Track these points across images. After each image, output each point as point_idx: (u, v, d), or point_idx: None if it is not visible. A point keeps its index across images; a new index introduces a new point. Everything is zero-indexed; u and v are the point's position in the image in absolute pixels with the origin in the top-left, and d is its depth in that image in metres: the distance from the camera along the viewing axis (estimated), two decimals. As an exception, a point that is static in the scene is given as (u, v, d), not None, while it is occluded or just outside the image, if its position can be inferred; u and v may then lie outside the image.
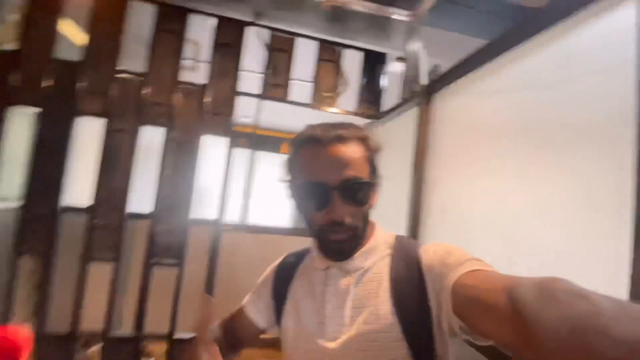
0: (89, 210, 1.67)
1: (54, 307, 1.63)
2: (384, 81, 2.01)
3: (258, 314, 0.69)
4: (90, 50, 1.71)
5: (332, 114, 1.99)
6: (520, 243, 0.91)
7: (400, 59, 2.45)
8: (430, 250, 0.55)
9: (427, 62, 1.73)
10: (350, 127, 0.57)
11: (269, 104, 2.18)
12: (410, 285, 0.54)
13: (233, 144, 1.89)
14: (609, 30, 0.74)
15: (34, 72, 1.61)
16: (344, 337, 0.55)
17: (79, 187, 1.80)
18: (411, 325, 0.52)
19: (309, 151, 0.56)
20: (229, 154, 1.89)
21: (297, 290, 0.64)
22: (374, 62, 2.01)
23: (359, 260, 0.59)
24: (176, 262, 1.74)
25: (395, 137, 1.89)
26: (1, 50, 1.61)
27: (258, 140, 3.35)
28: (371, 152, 0.58)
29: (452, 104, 1.34)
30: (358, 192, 0.54)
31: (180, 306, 1.75)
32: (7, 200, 1.75)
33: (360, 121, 2.21)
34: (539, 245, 0.85)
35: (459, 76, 1.27)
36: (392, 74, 2.24)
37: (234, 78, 1.85)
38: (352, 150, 0.55)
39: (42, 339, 1.59)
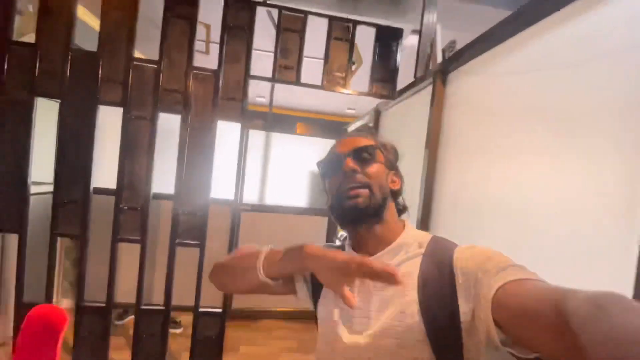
0: (115, 193, 1.77)
1: (91, 282, 1.79)
2: (398, 58, 1.94)
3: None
4: (105, 38, 1.74)
5: (344, 94, 1.96)
6: (535, 232, 0.90)
7: (416, 31, 2.34)
8: (466, 253, 0.55)
9: (442, 38, 1.65)
10: (374, 135, 0.71)
11: (283, 85, 2.18)
12: (440, 287, 0.53)
13: (248, 126, 1.92)
14: (636, 9, 0.69)
15: (54, 62, 1.67)
16: (368, 331, 0.56)
17: (107, 172, 1.91)
18: (436, 327, 0.52)
19: (334, 145, 0.69)
20: (243, 136, 1.92)
21: None
22: (387, 39, 1.93)
23: (386, 257, 0.61)
24: (198, 243, 1.84)
25: (409, 118, 1.85)
26: (23, 42, 1.68)
27: (274, 119, 3.34)
28: (387, 151, 0.68)
29: (467, 84, 1.29)
30: (366, 153, 0.63)
31: (204, 281, 1.87)
32: (42, 184, 1.89)
33: (373, 101, 2.17)
34: (554, 234, 0.84)
35: (475, 55, 1.22)
36: (408, 48, 2.16)
37: (246, 61, 1.84)
38: (364, 136, 0.68)
39: (81, 311, 1.76)
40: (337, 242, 0.81)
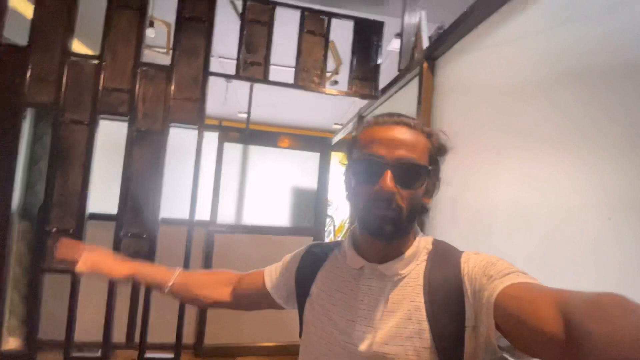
0: (39, 212, 1.45)
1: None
2: (380, 54, 1.72)
3: (270, 282, 0.71)
4: (38, 29, 1.48)
5: (319, 93, 1.72)
6: (553, 238, 0.65)
7: (399, 35, 2.16)
8: (472, 259, 0.54)
9: (428, 27, 1.44)
10: (417, 119, 0.57)
11: (263, 97, 1.95)
12: (447, 293, 0.53)
13: (223, 138, 1.66)
14: None
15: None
16: (373, 338, 0.55)
17: (39, 187, 1.59)
18: (442, 333, 0.51)
19: (371, 130, 0.56)
20: (201, 143, 1.64)
21: (324, 284, 0.64)
22: (367, 33, 1.73)
23: (399, 266, 0.57)
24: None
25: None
26: None
27: (254, 135, 3.10)
28: (435, 150, 0.56)
29: (459, 65, 1.06)
30: (411, 174, 0.53)
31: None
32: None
33: (354, 101, 1.94)
34: (574, 239, 0.58)
35: (466, 31, 0.99)
36: (392, 51, 1.96)
37: (205, 56, 1.60)
38: (414, 136, 0.54)
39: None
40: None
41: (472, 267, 0.52)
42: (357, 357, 0.55)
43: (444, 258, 0.57)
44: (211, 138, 2.02)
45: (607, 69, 0.59)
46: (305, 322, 0.64)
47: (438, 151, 0.57)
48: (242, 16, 1.62)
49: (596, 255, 0.60)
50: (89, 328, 1.52)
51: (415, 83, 1.32)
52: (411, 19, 1.47)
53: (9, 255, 1.47)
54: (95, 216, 1.54)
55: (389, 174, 0.52)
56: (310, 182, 3.30)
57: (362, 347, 0.55)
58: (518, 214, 0.73)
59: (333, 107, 4.78)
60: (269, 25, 1.65)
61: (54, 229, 1.46)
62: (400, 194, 0.53)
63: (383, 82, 1.71)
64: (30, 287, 1.44)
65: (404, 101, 1.46)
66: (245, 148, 3.19)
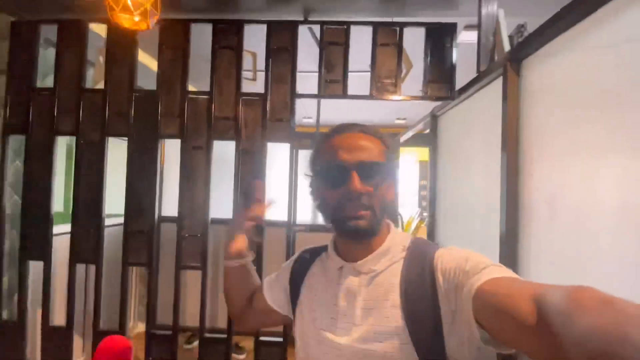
0: (177, 221, 1.83)
1: (161, 307, 1.84)
2: (454, 56, 1.76)
3: (269, 293, 0.76)
4: (162, 76, 1.86)
5: (395, 101, 1.82)
6: None
7: (469, 26, 2.13)
8: (445, 255, 0.55)
9: (507, 24, 1.44)
10: (370, 126, 0.62)
11: (328, 101, 2.12)
12: (421, 290, 0.54)
13: (296, 146, 1.88)
14: None
15: (120, 104, 1.83)
16: (353, 335, 0.57)
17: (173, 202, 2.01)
18: (419, 330, 0.52)
19: (332, 139, 0.61)
20: (293, 156, 1.88)
21: (312, 284, 0.68)
22: (439, 36, 1.77)
23: (371, 262, 0.60)
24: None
25: (474, 118, 1.64)
26: (94, 89, 1.87)
27: (321, 139, 3.30)
28: (389, 153, 0.61)
29: (548, 68, 1.07)
30: (375, 173, 0.57)
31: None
32: (113, 217, 2.04)
33: (430, 104, 1.99)
34: None
35: (558, 32, 1.00)
36: (461, 45, 1.96)
37: (291, 81, 1.82)
38: (370, 140, 0.60)
39: (150, 338, 1.81)
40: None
41: (446, 263, 0.53)
42: (341, 354, 0.57)
43: (420, 255, 0.58)
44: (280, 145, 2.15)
45: None
46: (296, 324, 0.68)
47: (391, 152, 0.62)
48: (321, 40, 1.81)
49: None
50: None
51: (496, 84, 1.34)
52: (488, 18, 1.49)
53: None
54: (215, 221, 1.88)
55: (355, 175, 0.56)
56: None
57: (345, 344, 0.57)
58: (626, 217, 0.75)
59: (393, 104, 4.79)
60: (345, 44, 1.80)
61: (187, 235, 1.84)
62: (368, 193, 0.57)
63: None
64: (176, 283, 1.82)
65: (485, 102, 1.49)
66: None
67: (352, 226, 0.58)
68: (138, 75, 1.88)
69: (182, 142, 1.85)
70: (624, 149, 0.78)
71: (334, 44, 1.81)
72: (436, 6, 1.77)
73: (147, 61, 2.32)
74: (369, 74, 1.80)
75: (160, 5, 1.43)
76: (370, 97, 1.80)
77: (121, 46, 1.83)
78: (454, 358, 0.51)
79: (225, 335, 1.81)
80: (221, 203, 2.00)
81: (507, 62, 1.24)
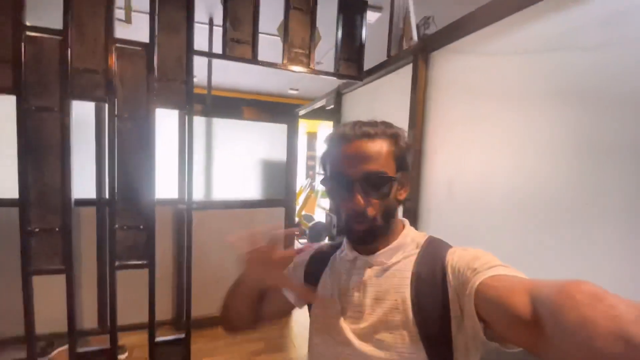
0: (20, 210, 1.32)
1: None
2: (364, 35, 1.78)
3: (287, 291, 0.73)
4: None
5: (304, 73, 1.74)
6: (548, 224, 0.86)
7: (374, 7, 2.20)
8: (457, 253, 0.56)
9: (415, 13, 1.53)
10: (379, 125, 0.60)
11: (215, 62, 1.84)
12: (431, 286, 0.55)
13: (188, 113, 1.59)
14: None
15: None
16: (361, 324, 0.58)
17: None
18: (428, 324, 0.53)
19: (338, 148, 0.60)
20: (187, 125, 1.57)
21: (327, 277, 0.68)
22: (352, 11, 1.75)
23: (384, 256, 0.62)
24: (146, 263, 1.50)
25: (382, 99, 1.73)
26: None
27: (215, 106, 2.95)
28: (399, 149, 0.60)
29: (455, 64, 1.20)
30: (379, 185, 0.57)
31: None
32: None
33: (324, 79, 1.99)
34: (572, 225, 0.80)
35: (466, 33, 1.12)
36: (369, 25, 2.00)
37: (187, 33, 1.49)
38: (377, 146, 0.58)
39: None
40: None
41: (457, 260, 0.54)
42: (351, 344, 0.58)
43: (433, 253, 0.59)
44: (167, 112, 1.84)
45: (594, 92, 0.78)
46: (311, 316, 0.69)
47: (403, 150, 0.61)
48: (226, -11, 1.51)
49: (582, 241, 0.83)
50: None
51: (404, 72, 1.43)
52: (399, 4, 1.54)
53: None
54: (78, 202, 1.44)
55: (358, 191, 0.57)
56: (278, 153, 3.29)
57: (354, 334, 0.58)
58: (514, 198, 0.93)
59: (286, 73, 4.67)
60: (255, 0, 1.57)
61: (37, 229, 1.35)
62: (371, 205, 0.57)
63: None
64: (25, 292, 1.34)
65: (393, 87, 1.58)
66: (208, 121, 3.05)
67: (356, 236, 0.60)
68: None
69: (18, 100, 1.29)
70: (514, 144, 0.95)
71: (240, -4, 1.55)
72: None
73: None
74: (274, 38, 1.63)
75: None
76: (282, 66, 1.65)
77: None
78: (459, 357, 0.52)
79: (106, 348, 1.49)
80: (82, 181, 1.55)
81: (418, 52, 1.32)
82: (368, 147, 0.58)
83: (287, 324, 2.80)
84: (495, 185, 1.00)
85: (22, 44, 1.28)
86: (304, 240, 5.04)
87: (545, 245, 0.85)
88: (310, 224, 5.20)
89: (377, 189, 0.57)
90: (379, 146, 0.58)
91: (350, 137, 0.59)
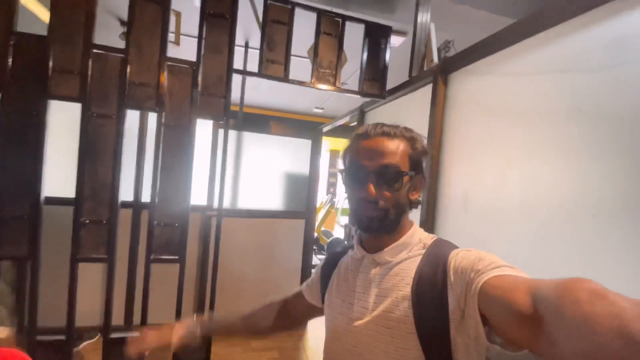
0: (74, 204, 1.50)
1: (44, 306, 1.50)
2: (387, 57, 1.90)
3: (309, 294, 0.83)
4: (57, 21, 1.45)
5: (331, 91, 1.87)
6: (558, 236, 0.89)
7: (398, 32, 2.34)
8: (460, 254, 0.57)
9: (436, 37, 1.64)
10: (400, 128, 0.66)
11: (247, 80, 2.02)
12: (432, 285, 0.56)
13: (221, 125, 1.76)
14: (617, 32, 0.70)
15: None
16: (366, 319, 0.62)
17: (62, 179, 1.62)
18: (425, 322, 0.55)
19: (358, 143, 0.66)
20: (221, 137, 1.75)
21: (338, 275, 0.73)
22: (377, 36, 1.89)
23: (387, 254, 0.65)
24: (177, 258, 1.63)
25: (402, 118, 1.82)
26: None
27: (246, 121, 3.15)
28: (415, 151, 0.64)
29: (472, 84, 1.28)
30: (392, 178, 0.62)
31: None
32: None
33: (348, 99, 2.11)
34: (578, 239, 0.84)
35: (481, 56, 1.21)
36: (393, 48, 2.13)
37: (228, 54, 1.67)
38: (394, 144, 0.63)
39: (35, 347, 1.47)
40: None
41: (459, 261, 0.55)
42: (355, 333, 0.63)
43: (438, 253, 0.61)
44: (203, 124, 1.97)
45: (606, 110, 0.83)
46: (325, 310, 0.74)
47: (419, 153, 0.65)
48: (264, 16, 1.70)
49: (583, 247, 0.86)
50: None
51: (425, 91, 1.53)
52: (422, 28, 1.66)
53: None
54: (125, 205, 1.61)
55: (371, 181, 0.61)
56: (302, 168, 3.39)
57: (358, 324, 0.62)
58: (525, 211, 0.98)
59: (313, 92, 4.89)
60: (289, 25, 1.74)
61: (87, 221, 1.53)
62: (383, 196, 0.61)
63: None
64: (71, 279, 1.50)
65: (413, 105, 1.67)
66: (239, 134, 3.25)
67: (366, 223, 0.64)
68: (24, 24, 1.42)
69: (83, 108, 1.50)
70: (526, 159, 1.00)
71: (277, 22, 1.73)
72: (375, 8, 1.87)
73: (39, 11, 1.76)
74: (304, 60, 1.79)
75: None
76: (310, 85, 1.80)
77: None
78: (458, 357, 0.53)
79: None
80: (130, 183, 1.73)
81: (438, 72, 1.41)
82: (386, 143, 0.62)
83: (302, 336, 2.82)
84: (509, 199, 1.05)
85: (90, 60, 1.50)
86: (322, 256, 5.08)
87: (560, 257, 0.89)
88: (329, 240, 5.24)
89: (390, 182, 0.61)
90: (396, 144, 0.63)
91: (370, 134, 0.64)
